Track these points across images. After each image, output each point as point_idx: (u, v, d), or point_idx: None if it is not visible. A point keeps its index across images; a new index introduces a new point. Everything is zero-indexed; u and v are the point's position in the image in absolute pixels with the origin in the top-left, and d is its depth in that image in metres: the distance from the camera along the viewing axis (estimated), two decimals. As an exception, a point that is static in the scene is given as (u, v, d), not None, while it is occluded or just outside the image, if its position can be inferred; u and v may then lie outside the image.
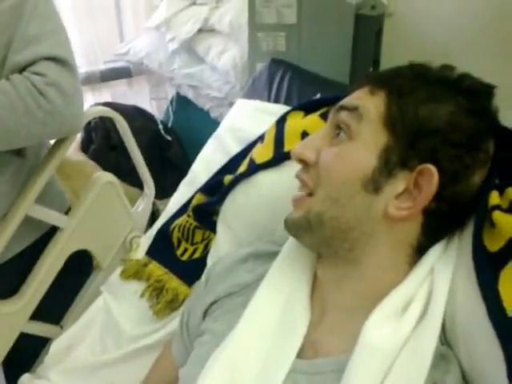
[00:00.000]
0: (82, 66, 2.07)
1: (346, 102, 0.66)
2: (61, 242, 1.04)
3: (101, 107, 1.13)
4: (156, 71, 2.00)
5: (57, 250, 1.04)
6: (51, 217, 1.03)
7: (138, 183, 1.38)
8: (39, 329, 1.10)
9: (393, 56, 1.51)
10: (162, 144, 2.10)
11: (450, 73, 0.67)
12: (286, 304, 0.69)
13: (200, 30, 1.80)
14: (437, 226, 0.64)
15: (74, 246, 1.07)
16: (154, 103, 2.20)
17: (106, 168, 2.01)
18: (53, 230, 1.06)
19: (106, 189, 1.08)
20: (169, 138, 2.08)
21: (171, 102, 2.10)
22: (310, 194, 0.66)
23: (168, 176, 2.00)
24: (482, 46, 1.55)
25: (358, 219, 0.63)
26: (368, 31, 1.29)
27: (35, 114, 0.84)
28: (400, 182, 0.62)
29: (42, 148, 1.04)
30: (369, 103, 0.64)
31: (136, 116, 2.12)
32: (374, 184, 0.62)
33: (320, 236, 0.66)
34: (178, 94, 2.06)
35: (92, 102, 2.12)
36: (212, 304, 0.77)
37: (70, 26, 2.02)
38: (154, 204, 1.84)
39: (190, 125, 2.08)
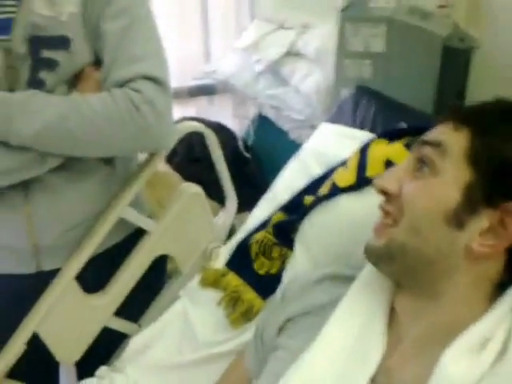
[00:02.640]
0: (172, 82, 2.18)
1: (430, 137, 0.68)
2: (147, 245, 1.11)
3: (193, 123, 1.20)
4: (240, 90, 2.09)
5: (144, 251, 1.11)
6: (141, 221, 1.11)
7: (216, 196, 1.45)
8: (120, 325, 1.17)
9: (479, 89, 1.51)
10: (240, 160, 2.17)
11: None
12: (361, 330, 0.70)
13: (286, 54, 1.87)
14: None
15: (159, 249, 1.14)
16: (236, 121, 2.28)
17: (187, 179, 2.10)
18: (138, 233, 1.13)
19: (193, 199, 1.15)
20: (247, 155, 2.16)
21: (253, 120, 2.18)
22: (393, 225, 0.68)
23: (243, 192, 2.06)
24: None
25: (440, 253, 0.64)
26: (455, 63, 1.30)
27: (129, 128, 0.91)
28: (484, 219, 0.63)
29: (132, 161, 1.12)
30: (453, 139, 0.66)
31: (218, 131, 2.20)
32: (457, 219, 0.63)
33: (401, 266, 0.68)
34: (259, 113, 2.14)
35: (179, 115, 2.24)
36: (288, 321, 0.80)
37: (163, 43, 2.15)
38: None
39: (269, 144, 2.14)
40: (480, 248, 0.63)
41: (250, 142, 2.21)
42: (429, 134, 0.70)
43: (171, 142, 1.03)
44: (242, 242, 1.09)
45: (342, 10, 1.34)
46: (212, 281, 1.09)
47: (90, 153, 0.95)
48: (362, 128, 1.12)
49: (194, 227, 1.18)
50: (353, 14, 1.32)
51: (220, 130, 2.24)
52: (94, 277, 1.08)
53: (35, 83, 0.91)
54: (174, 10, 2.13)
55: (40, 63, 0.91)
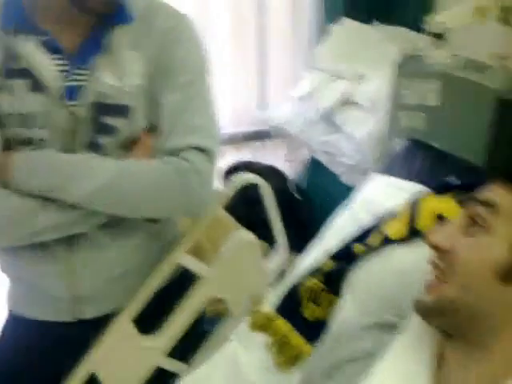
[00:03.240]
0: (229, 127, 2.29)
1: (483, 197, 0.70)
2: (202, 289, 1.15)
3: (248, 175, 1.26)
4: (295, 136, 2.15)
5: (198, 295, 1.15)
6: (197, 266, 1.16)
7: (265, 237, 1.49)
8: (172, 365, 1.21)
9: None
10: (292, 203, 2.21)
11: None
12: (408, 377, 0.72)
13: (340, 102, 1.91)
14: None
15: (213, 293, 1.18)
16: (288, 165, 2.34)
17: (238, 219, 2.16)
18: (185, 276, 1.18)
19: (246, 247, 1.19)
20: (299, 198, 2.19)
21: (306, 164, 2.22)
22: (444, 281, 0.70)
23: (294, 234, 2.09)
24: None
25: (492, 309, 0.66)
26: (509, 116, 1.30)
27: (175, 193, 0.97)
28: None
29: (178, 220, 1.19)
30: (506, 199, 0.68)
31: (271, 175, 2.26)
32: (507, 275, 0.65)
33: (451, 321, 0.70)
34: (312, 158, 2.18)
35: (235, 158, 2.32)
36: (334, 368, 0.82)
37: (222, 91, 2.26)
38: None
39: (321, 187, 2.17)
40: None
41: (302, 185, 2.25)
42: (482, 193, 0.72)
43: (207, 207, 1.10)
44: (292, 289, 1.12)
45: (399, 66, 1.38)
46: (261, 325, 1.12)
47: (136, 214, 1.01)
48: (412, 180, 1.14)
49: (246, 272, 1.22)
50: (408, 70, 1.36)
51: (273, 172, 2.29)
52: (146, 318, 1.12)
53: (94, 147, 0.98)
54: (236, 59, 2.24)
55: (100, 128, 0.98)
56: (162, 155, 0.99)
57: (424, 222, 0.92)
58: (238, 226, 2.01)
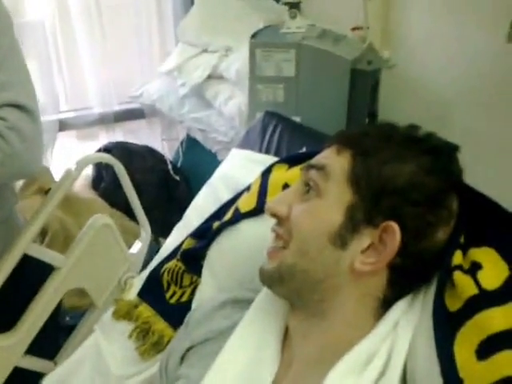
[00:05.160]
0: (97, 106, 2.17)
1: (314, 161, 0.71)
2: (57, 281, 1.08)
3: (99, 154, 1.19)
4: (167, 114, 2.08)
5: (53, 287, 1.08)
6: (49, 256, 1.08)
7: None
8: (33, 364, 1.13)
9: (392, 108, 1.56)
10: (170, 183, 2.16)
11: (416, 133, 0.71)
12: (256, 354, 0.71)
13: (209, 77, 1.88)
14: (402, 281, 0.67)
15: (70, 284, 1.11)
16: (164, 144, 2.27)
17: (115, 205, 2.07)
18: (49, 267, 1.10)
19: (103, 231, 1.13)
20: (177, 178, 2.14)
21: (181, 143, 2.17)
22: (284, 247, 0.69)
23: (174, 215, 2.05)
24: (480, 95, 1.59)
25: (327, 272, 0.66)
26: (363, 86, 1.34)
27: None
28: (365, 238, 0.65)
29: (5, 189, 1.10)
30: (335, 162, 0.68)
31: (147, 156, 2.19)
32: (341, 239, 0.65)
33: (291, 287, 0.69)
34: (188, 135, 2.14)
35: (106, 140, 2.21)
36: (188, 349, 0.80)
37: (87, 67, 2.13)
38: (159, 242, 1.89)
39: (198, 166, 2.14)
40: (362, 266, 0.65)
41: (179, 165, 2.20)
42: (315, 158, 0.72)
43: (38, 169, 1.01)
44: (153, 271, 1.08)
45: (252, 37, 1.36)
46: (124, 313, 1.07)
47: None
48: (267, 153, 1.13)
49: (107, 259, 1.16)
50: (263, 41, 1.34)
51: (149, 153, 2.22)
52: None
53: None
54: (96, 32, 2.12)
55: None
56: None
57: (273, 193, 0.92)
58: (108, 207, 1.94)
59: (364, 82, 1.34)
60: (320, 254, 0.66)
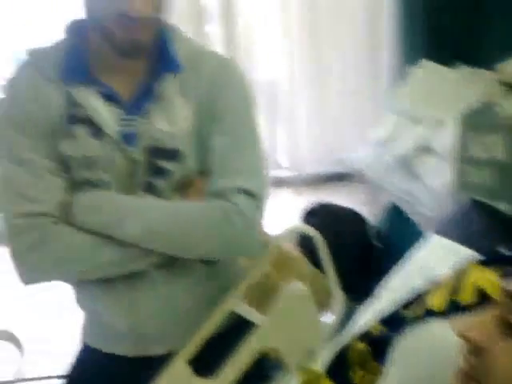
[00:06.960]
0: (307, 168, 2.33)
1: None
2: (254, 336, 1.18)
3: (301, 225, 1.28)
4: (373, 181, 2.12)
5: (251, 341, 1.18)
6: (251, 314, 1.20)
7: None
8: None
9: None
10: (372, 249, 2.18)
11: None
12: None
13: (418, 148, 1.87)
14: None
15: (266, 342, 1.20)
16: (368, 209, 2.31)
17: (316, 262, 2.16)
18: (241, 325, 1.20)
19: (298, 300, 1.21)
20: (379, 245, 2.15)
21: (386, 210, 2.19)
22: (476, 380, 0.65)
23: (370, 281, 2.05)
24: None
25: None
26: None
27: (219, 236, 1.03)
28: None
29: (236, 262, 1.23)
30: None
31: (350, 218, 2.25)
32: None
33: None
34: (393, 204, 2.14)
35: (312, 199, 2.34)
36: None
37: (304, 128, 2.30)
38: (352, 307, 1.91)
39: (402, 236, 2.11)
40: None
41: (383, 232, 2.21)
42: None
43: (256, 250, 1.13)
44: (341, 350, 1.10)
45: (463, 115, 1.33)
46: (308, 382, 1.12)
47: (185, 253, 1.07)
48: (468, 243, 1.09)
49: (299, 325, 1.23)
50: (473, 121, 1.31)
51: (353, 217, 2.28)
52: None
53: (150, 188, 1.07)
54: (317, 101, 2.29)
55: (155, 171, 1.06)
56: (210, 197, 1.05)
57: (465, 295, 0.89)
58: (311, 267, 2.02)
59: None
60: None
